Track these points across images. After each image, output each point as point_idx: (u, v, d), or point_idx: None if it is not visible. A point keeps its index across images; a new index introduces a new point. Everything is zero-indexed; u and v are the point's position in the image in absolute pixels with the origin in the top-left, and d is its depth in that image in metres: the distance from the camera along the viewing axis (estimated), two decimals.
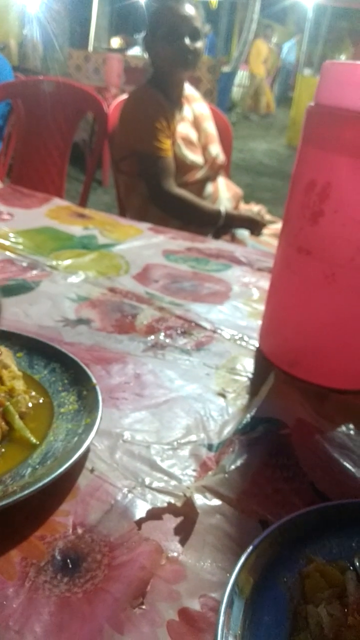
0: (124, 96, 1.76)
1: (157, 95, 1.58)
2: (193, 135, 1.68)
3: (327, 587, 0.33)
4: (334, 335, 0.55)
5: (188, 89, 1.71)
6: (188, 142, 1.65)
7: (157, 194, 1.61)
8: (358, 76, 0.49)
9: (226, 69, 6.39)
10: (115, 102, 1.82)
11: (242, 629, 0.29)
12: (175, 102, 1.63)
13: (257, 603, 0.31)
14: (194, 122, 1.72)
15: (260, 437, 0.46)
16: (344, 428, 0.49)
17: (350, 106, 0.49)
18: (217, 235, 1.69)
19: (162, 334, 0.64)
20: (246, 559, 0.32)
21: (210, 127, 1.75)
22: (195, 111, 1.72)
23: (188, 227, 1.56)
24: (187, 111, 1.69)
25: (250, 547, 0.33)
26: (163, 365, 0.57)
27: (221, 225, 1.66)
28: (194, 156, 1.66)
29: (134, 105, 1.61)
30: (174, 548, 0.35)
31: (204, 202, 1.67)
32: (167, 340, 0.62)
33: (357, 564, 0.35)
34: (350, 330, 0.55)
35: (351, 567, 0.34)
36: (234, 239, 1.72)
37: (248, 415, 0.50)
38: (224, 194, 1.77)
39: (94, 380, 0.48)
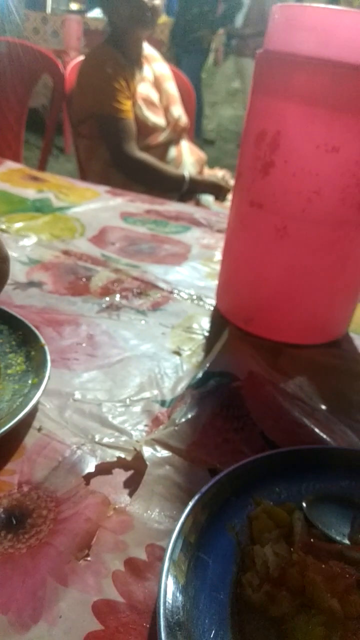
0: (82, 57, 1.70)
1: (115, 55, 1.52)
2: (154, 96, 1.64)
3: (275, 527, 0.33)
4: (287, 290, 0.55)
5: (147, 48, 1.65)
6: (149, 103, 1.61)
7: (119, 158, 1.57)
8: (307, 18, 0.47)
9: None
10: (72, 64, 1.75)
11: (187, 575, 0.29)
12: (134, 61, 1.58)
13: (203, 549, 0.31)
14: (155, 83, 1.67)
15: (211, 391, 0.46)
16: (296, 380, 0.49)
17: (299, 51, 0.47)
18: (181, 201, 1.66)
19: (118, 295, 0.62)
20: (193, 506, 0.32)
21: (171, 87, 1.70)
22: (155, 71, 1.67)
23: (151, 192, 1.53)
24: (147, 71, 1.64)
25: (198, 495, 0.33)
26: (118, 325, 0.56)
27: (185, 190, 1.63)
28: (156, 118, 1.62)
29: (91, 65, 1.55)
30: (122, 500, 0.35)
31: (168, 167, 1.64)
32: (123, 302, 0.61)
33: (305, 505, 0.35)
34: (303, 284, 0.54)
35: (299, 509, 0.35)
36: (198, 205, 1.69)
37: (201, 371, 0.49)
38: (187, 158, 1.74)
39: (43, 341, 0.46)
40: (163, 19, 4.44)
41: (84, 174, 1.71)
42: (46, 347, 0.46)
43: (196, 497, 0.33)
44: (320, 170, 0.49)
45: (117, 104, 1.51)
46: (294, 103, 0.48)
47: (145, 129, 1.60)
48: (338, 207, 0.50)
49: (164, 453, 0.38)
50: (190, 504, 0.32)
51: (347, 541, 0.33)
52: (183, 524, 0.31)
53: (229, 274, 0.60)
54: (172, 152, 1.70)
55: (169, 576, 0.28)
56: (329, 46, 0.46)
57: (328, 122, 0.47)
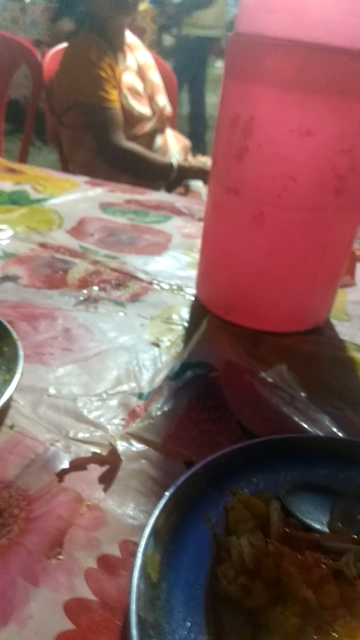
0: (62, 46, 1.67)
1: (99, 42, 1.49)
2: (139, 86, 1.62)
3: (251, 518, 0.33)
4: (266, 278, 0.54)
5: (129, 36, 1.63)
6: (134, 92, 1.58)
7: (107, 148, 1.55)
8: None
9: None
10: (50, 53, 1.72)
11: (160, 570, 0.29)
12: (117, 49, 1.55)
13: (178, 542, 0.31)
14: (139, 72, 1.64)
15: (188, 382, 0.45)
16: (276, 368, 0.49)
17: (269, 33, 0.46)
18: (170, 189, 1.65)
19: (96, 287, 0.61)
20: (167, 499, 0.32)
21: (155, 76, 1.68)
22: (139, 60, 1.64)
23: (139, 181, 1.51)
24: (131, 60, 1.62)
25: (172, 487, 0.32)
26: (95, 318, 0.55)
27: (174, 178, 1.62)
28: (142, 107, 1.60)
29: (75, 52, 1.51)
30: (96, 496, 0.34)
31: (155, 155, 1.62)
32: (101, 294, 0.60)
33: (282, 495, 0.34)
34: (282, 271, 0.54)
35: (276, 499, 0.34)
36: (188, 191, 1.68)
37: (178, 362, 0.49)
38: (173, 146, 1.72)
39: (15, 336, 0.45)
40: (144, 5, 4.37)
41: (66, 165, 1.69)
42: (19, 343, 0.45)
43: (171, 490, 0.32)
44: (295, 154, 0.48)
45: (103, 93, 1.48)
46: (266, 86, 0.47)
47: (131, 118, 1.58)
48: (314, 192, 0.49)
49: (139, 447, 0.38)
50: (165, 497, 0.32)
51: (326, 529, 0.33)
52: (157, 517, 0.31)
53: (208, 263, 0.59)
54: (158, 140, 1.68)
55: (141, 571, 0.28)
56: (301, 27, 0.45)
57: (301, 106, 0.46)
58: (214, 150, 0.55)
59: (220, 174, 0.53)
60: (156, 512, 0.31)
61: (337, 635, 0.24)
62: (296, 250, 0.52)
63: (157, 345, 0.52)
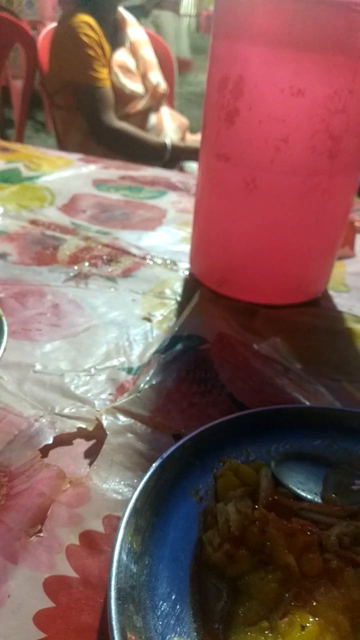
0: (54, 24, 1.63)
1: (89, 20, 1.46)
2: (130, 63, 1.58)
3: (240, 485, 0.31)
4: (260, 248, 0.53)
5: (122, 13, 1.59)
6: (126, 70, 1.55)
7: (98, 129, 1.52)
8: None
9: None
10: (44, 31, 1.68)
11: (143, 543, 0.28)
12: (108, 27, 1.52)
13: (163, 515, 0.29)
14: (131, 49, 1.60)
15: (178, 355, 0.44)
16: (271, 341, 0.47)
17: None
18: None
19: (87, 263, 0.60)
20: (153, 472, 0.30)
21: (148, 53, 1.64)
22: (131, 37, 1.60)
23: (132, 162, 1.48)
24: (123, 37, 1.58)
25: (159, 460, 0.31)
26: (85, 294, 0.54)
27: (168, 158, 1.59)
28: (134, 85, 1.56)
29: (64, 32, 1.48)
30: (80, 472, 0.33)
31: (149, 135, 1.59)
32: (92, 270, 0.59)
33: (273, 464, 0.33)
34: (276, 240, 0.52)
35: (267, 466, 0.33)
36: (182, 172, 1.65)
37: (169, 335, 0.47)
38: (168, 125, 1.69)
39: (0, 312, 0.44)
40: None
41: (63, 147, 1.66)
42: (4, 318, 0.43)
43: (157, 463, 0.31)
44: (287, 116, 0.46)
45: (93, 72, 1.45)
46: (255, 45, 0.45)
47: (122, 97, 1.55)
48: (308, 156, 0.47)
49: (126, 420, 0.36)
50: (151, 469, 0.30)
51: (318, 499, 0.32)
52: (141, 490, 0.29)
53: (200, 235, 0.57)
54: (152, 119, 1.65)
55: (123, 545, 0.27)
56: None
57: (292, 64, 0.44)
58: (203, 116, 0.53)
59: (210, 139, 0.51)
60: (140, 485, 0.29)
61: (315, 604, 0.23)
62: (290, 218, 0.50)
63: (148, 319, 0.51)
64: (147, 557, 0.27)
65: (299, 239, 0.52)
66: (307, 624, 0.22)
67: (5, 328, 0.42)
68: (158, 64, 1.68)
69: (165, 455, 0.31)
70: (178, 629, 0.24)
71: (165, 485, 0.31)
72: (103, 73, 1.48)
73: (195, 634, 0.24)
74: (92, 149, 1.55)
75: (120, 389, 0.41)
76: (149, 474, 0.30)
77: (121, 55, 1.56)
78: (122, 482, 0.32)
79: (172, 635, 0.24)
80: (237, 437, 0.35)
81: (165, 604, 0.25)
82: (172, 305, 0.53)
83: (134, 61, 1.60)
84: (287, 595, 0.23)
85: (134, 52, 1.61)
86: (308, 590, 0.23)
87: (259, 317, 0.52)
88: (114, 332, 0.48)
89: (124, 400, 0.38)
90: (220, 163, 0.51)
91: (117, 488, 0.32)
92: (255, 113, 0.46)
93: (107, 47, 1.50)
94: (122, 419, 0.36)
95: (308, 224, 0.51)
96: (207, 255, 0.57)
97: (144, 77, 1.62)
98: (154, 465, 0.31)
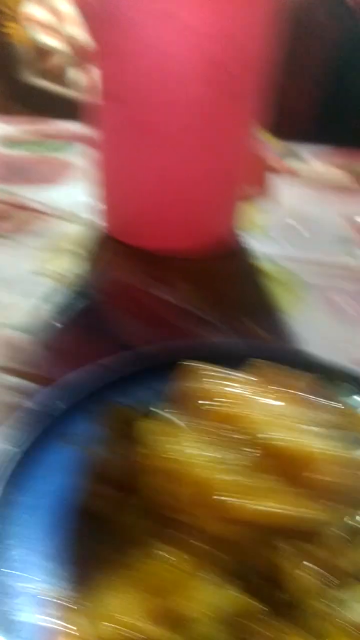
0: None
1: None
2: (42, 15, 1.49)
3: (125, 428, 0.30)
4: (160, 192, 0.51)
5: None
6: (39, 24, 1.46)
7: (15, 88, 1.44)
8: None
9: None
10: None
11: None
12: None
13: (32, 465, 0.28)
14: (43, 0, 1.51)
15: (72, 309, 0.42)
16: (177, 287, 0.46)
17: None
18: None
19: None
20: (19, 421, 0.29)
21: (62, 5, 1.55)
22: None
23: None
24: None
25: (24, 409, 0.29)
26: None
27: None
28: (47, 39, 1.48)
29: None
30: None
31: (69, 91, 1.51)
32: None
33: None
34: (176, 183, 0.50)
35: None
36: None
37: (66, 291, 0.45)
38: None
39: None
40: None
41: None
42: None
43: (22, 412, 0.29)
44: (167, 47, 0.43)
45: (1, 27, 1.36)
46: None
47: (38, 52, 1.46)
48: (197, 90, 0.45)
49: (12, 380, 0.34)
50: (17, 420, 0.29)
51: None
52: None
53: (102, 184, 0.55)
54: (72, 75, 1.57)
55: None
56: None
57: None
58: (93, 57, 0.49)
59: (101, 81, 0.48)
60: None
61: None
62: (188, 157, 0.48)
63: (46, 276, 0.48)
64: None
65: (200, 177, 0.50)
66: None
67: None
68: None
69: (27, 406, 0.30)
70: None
71: (31, 436, 0.29)
72: (12, 28, 1.39)
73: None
74: (13, 111, 1.46)
75: (10, 348, 0.38)
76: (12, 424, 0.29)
77: (32, 9, 1.46)
78: None
79: None
80: (122, 380, 0.33)
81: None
82: (72, 260, 0.51)
83: (46, 13, 1.51)
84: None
85: (47, 4, 1.52)
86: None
87: (165, 266, 0.50)
88: (4, 290, 0.45)
89: (10, 359, 0.36)
90: (108, 105, 0.48)
91: None
92: (131, 45, 0.44)
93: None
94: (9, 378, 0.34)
95: (207, 160, 0.49)
96: (110, 205, 0.55)
97: (59, 31, 1.53)
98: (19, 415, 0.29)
